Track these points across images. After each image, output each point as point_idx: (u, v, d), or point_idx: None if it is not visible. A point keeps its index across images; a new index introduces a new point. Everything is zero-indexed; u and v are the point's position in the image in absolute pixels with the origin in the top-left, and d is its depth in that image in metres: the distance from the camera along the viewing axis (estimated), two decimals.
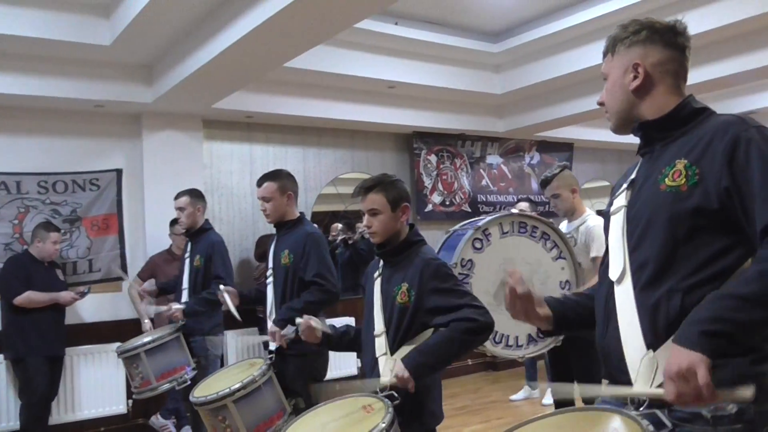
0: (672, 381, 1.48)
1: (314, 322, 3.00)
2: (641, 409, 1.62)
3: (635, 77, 1.84)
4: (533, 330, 3.71)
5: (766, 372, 1.57)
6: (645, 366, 1.63)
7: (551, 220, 4.10)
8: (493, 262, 3.66)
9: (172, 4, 4.85)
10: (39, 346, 5.42)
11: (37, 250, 5.60)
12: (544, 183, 4.39)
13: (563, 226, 4.40)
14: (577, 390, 2.21)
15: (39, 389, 5.41)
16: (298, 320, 3.05)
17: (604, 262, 1.91)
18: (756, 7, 5.51)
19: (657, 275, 1.67)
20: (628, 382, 1.66)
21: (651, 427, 1.48)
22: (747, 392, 1.46)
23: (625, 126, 1.93)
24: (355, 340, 3.05)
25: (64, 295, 5.57)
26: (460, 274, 3.52)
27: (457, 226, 4.06)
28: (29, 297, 5.39)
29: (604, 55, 1.94)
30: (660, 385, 1.58)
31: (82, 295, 5.64)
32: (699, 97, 1.90)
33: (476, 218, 4.10)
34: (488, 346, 3.57)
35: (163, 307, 4.97)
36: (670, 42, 1.84)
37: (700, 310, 1.52)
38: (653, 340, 1.64)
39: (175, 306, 4.74)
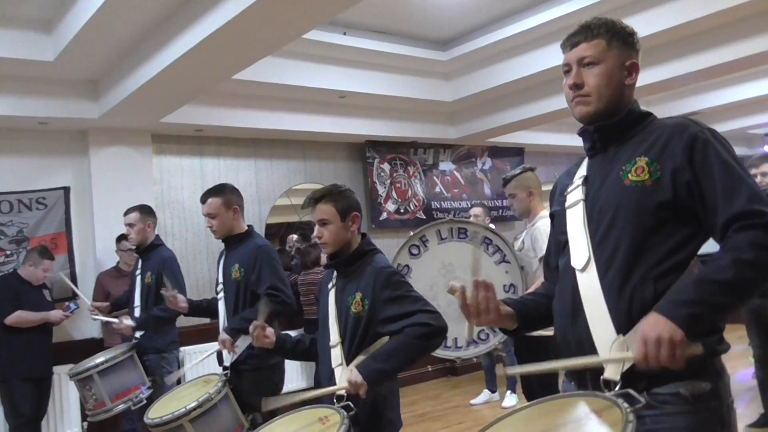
0: (645, 343, 1.57)
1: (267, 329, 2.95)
2: (616, 389, 1.67)
3: (629, 75, 1.91)
4: (476, 332, 3.76)
5: (724, 349, 1.74)
6: (615, 350, 1.71)
7: (490, 226, 4.16)
8: (431, 267, 3.73)
9: (116, 19, 4.78)
10: (25, 368, 5.34)
11: (27, 272, 5.53)
12: (504, 182, 4.43)
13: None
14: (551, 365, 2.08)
15: (24, 412, 5.32)
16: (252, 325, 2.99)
17: (563, 255, 1.95)
18: (697, 11, 5.65)
19: (628, 264, 1.76)
20: (600, 367, 1.73)
21: (626, 404, 1.52)
22: (698, 349, 1.57)
23: (603, 116, 1.90)
24: (310, 349, 3.05)
25: (55, 314, 5.50)
26: None
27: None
28: (20, 316, 5.32)
29: (592, 37, 1.89)
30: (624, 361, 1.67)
31: (68, 309, 5.58)
32: (645, 100, 1.96)
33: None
34: None
35: (114, 319, 4.88)
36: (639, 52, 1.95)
37: (684, 291, 1.62)
38: (624, 325, 1.72)
39: (126, 321, 4.67)
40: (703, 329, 1.61)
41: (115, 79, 5.78)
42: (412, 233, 3.89)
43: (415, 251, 3.73)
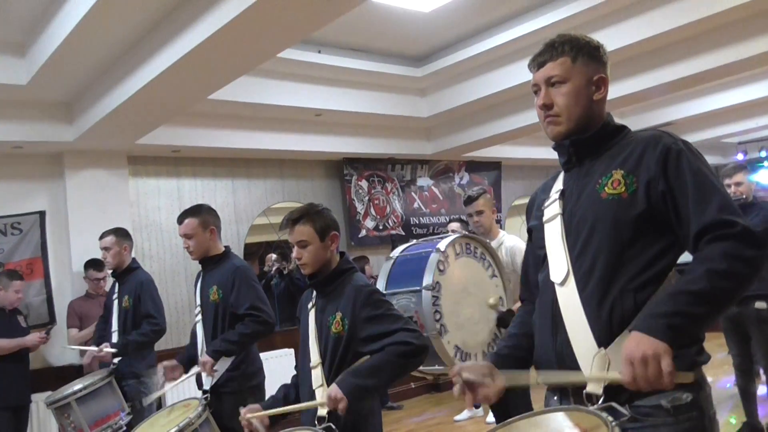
0: (631, 365, 1.55)
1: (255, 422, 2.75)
2: (599, 403, 1.67)
3: (597, 90, 1.91)
4: (485, 346, 3.73)
5: (705, 360, 1.74)
6: (597, 363, 1.70)
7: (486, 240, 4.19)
8: (455, 283, 3.68)
9: (89, 41, 4.75)
10: (2, 396, 5.18)
11: None
12: (470, 200, 4.55)
13: None
14: (533, 377, 2.07)
15: None
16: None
17: (542, 269, 1.95)
18: (667, 23, 5.73)
19: (607, 277, 1.76)
20: (582, 380, 1.72)
21: (611, 417, 1.52)
22: (690, 377, 1.61)
23: (576, 133, 1.91)
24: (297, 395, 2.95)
25: (30, 338, 5.32)
26: (433, 296, 3.50)
27: (396, 252, 4.01)
28: None
29: (557, 55, 1.90)
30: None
31: (47, 333, 5.44)
32: (618, 112, 1.96)
33: (413, 242, 4.12)
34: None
35: (92, 348, 4.82)
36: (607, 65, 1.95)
37: (660, 304, 1.62)
38: (605, 338, 1.72)
39: (106, 349, 4.60)
40: (684, 341, 1.61)
41: (90, 101, 5.74)
42: (432, 248, 3.76)
43: (441, 267, 3.65)
